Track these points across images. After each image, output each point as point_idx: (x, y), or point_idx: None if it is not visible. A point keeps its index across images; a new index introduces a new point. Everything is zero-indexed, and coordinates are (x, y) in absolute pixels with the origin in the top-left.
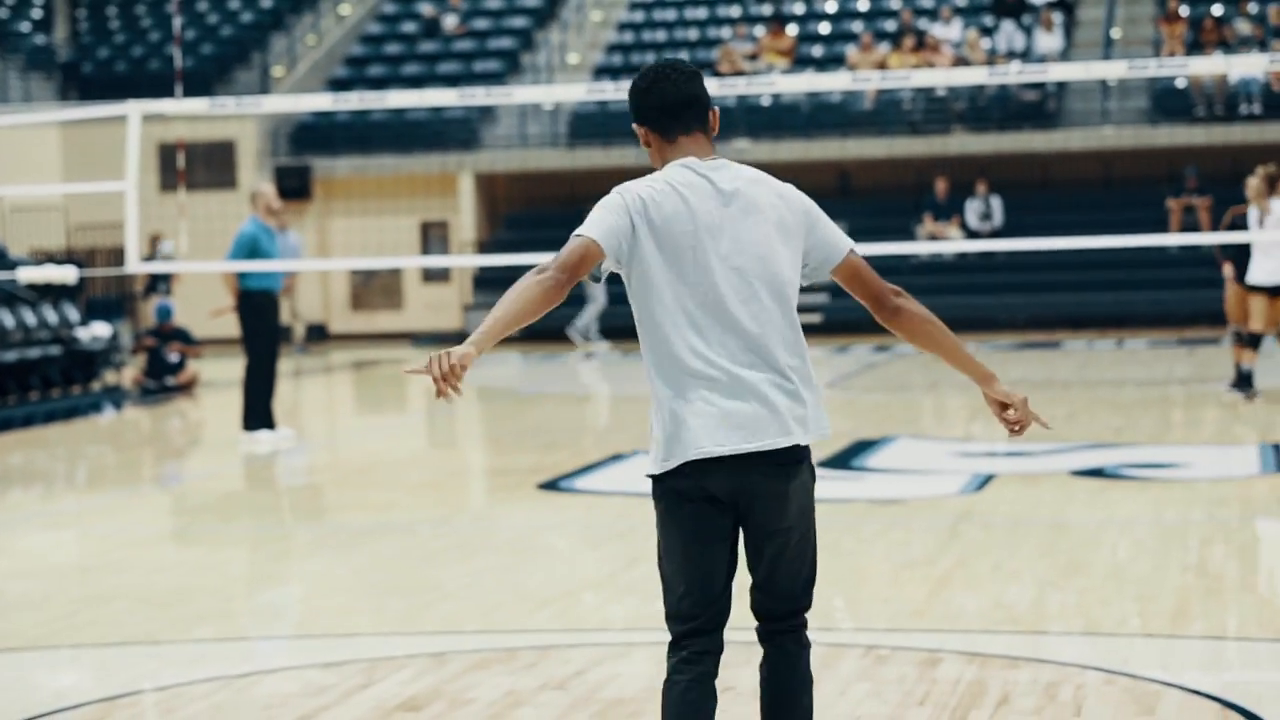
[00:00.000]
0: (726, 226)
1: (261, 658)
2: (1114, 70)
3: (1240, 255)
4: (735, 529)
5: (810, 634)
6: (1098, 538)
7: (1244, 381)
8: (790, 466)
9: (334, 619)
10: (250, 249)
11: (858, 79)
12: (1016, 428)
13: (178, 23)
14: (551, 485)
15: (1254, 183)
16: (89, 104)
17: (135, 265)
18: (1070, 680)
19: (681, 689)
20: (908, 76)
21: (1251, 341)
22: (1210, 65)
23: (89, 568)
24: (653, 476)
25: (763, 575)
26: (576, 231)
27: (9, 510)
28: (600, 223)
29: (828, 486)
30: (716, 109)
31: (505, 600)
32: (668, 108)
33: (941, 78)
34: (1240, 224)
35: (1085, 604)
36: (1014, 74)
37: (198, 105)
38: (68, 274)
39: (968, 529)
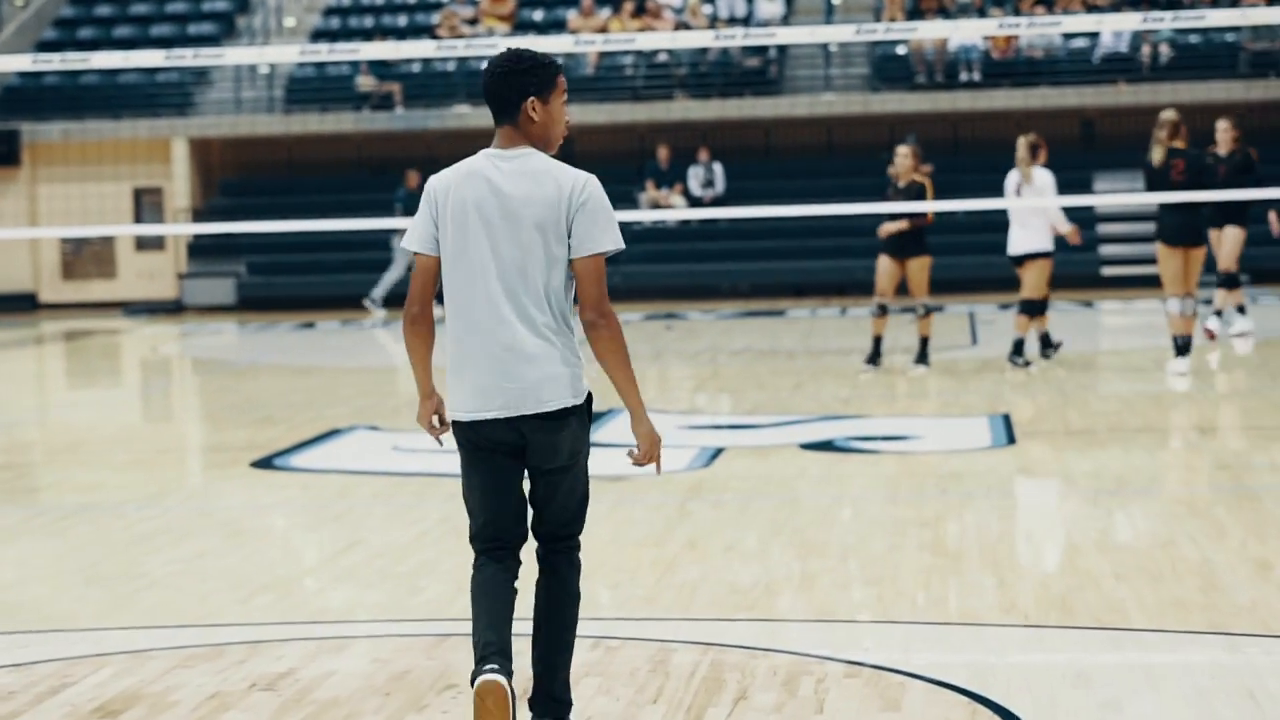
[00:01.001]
0: (495, 221)
1: None
2: (842, 34)
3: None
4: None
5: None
6: (831, 515)
7: (1018, 350)
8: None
9: (27, 613)
10: None
11: (580, 42)
12: (638, 463)
13: None
14: (266, 463)
15: (1020, 151)
16: None
17: None
18: (810, 672)
19: (488, 573)
20: (632, 40)
21: (1028, 309)
22: (934, 30)
23: None
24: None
25: (540, 505)
26: (403, 244)
27: None
28: (414, 231)
29: None
30: (538, 101)
31: (216, 588)
32: (488, 98)
33: (667, 41)
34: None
35: (821, 588)
36: (740, 38)
37: None
38: None
39: (697, 507)
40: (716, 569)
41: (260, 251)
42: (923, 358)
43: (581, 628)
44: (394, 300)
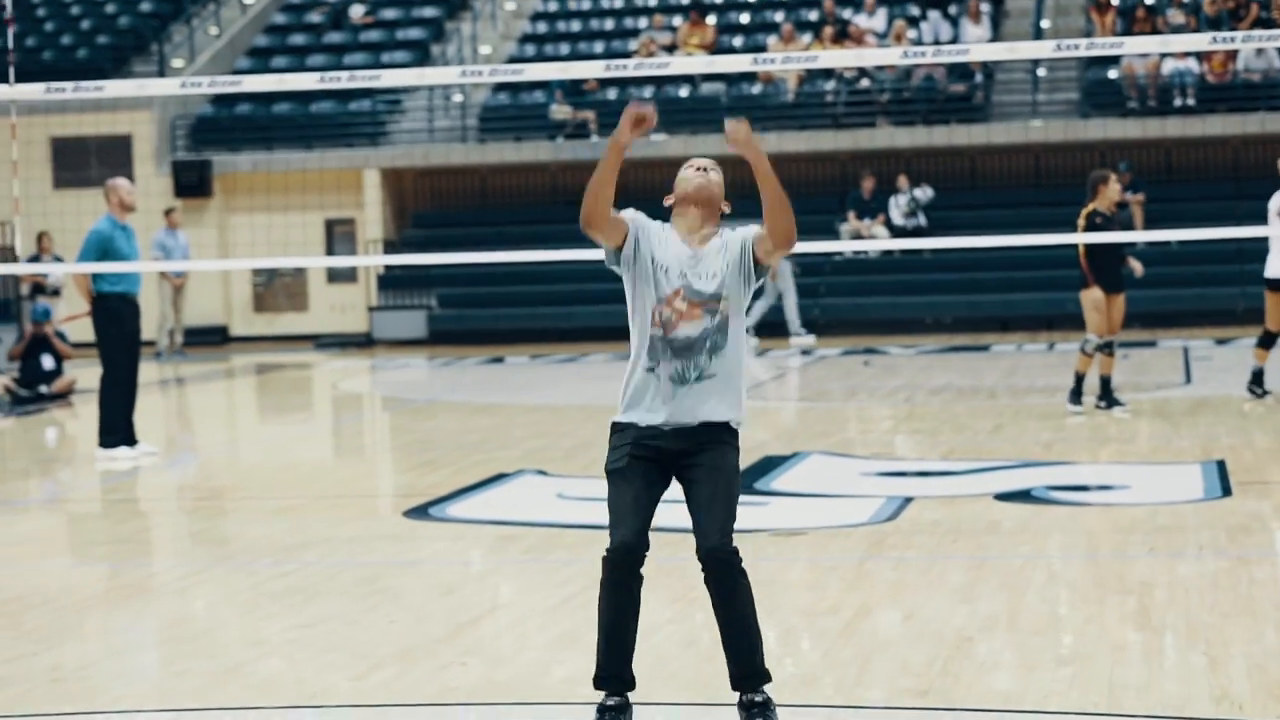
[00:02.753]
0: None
1: None
2: (1040, 50)
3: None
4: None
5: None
6: (1022, 579)
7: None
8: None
9: (122, 686)
10: (102, 249)
11: (759, 60)
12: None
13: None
14: (420, 512)
15: None
16: None
17: None
18: None
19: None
20: (815, 58)
21: (1265, 341)
22: (1141, 45)
23: None
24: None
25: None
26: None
27: None
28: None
29: None
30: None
31: (334, 662)
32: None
33: (852, 59)
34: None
35: (1007, 668)
36: (930, 55)
37: (32, 90)
38: None
39: (877, 568)
40: (889, 641)
41: (452, 284)
42: (1103, 398)
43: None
44: (763, 328)
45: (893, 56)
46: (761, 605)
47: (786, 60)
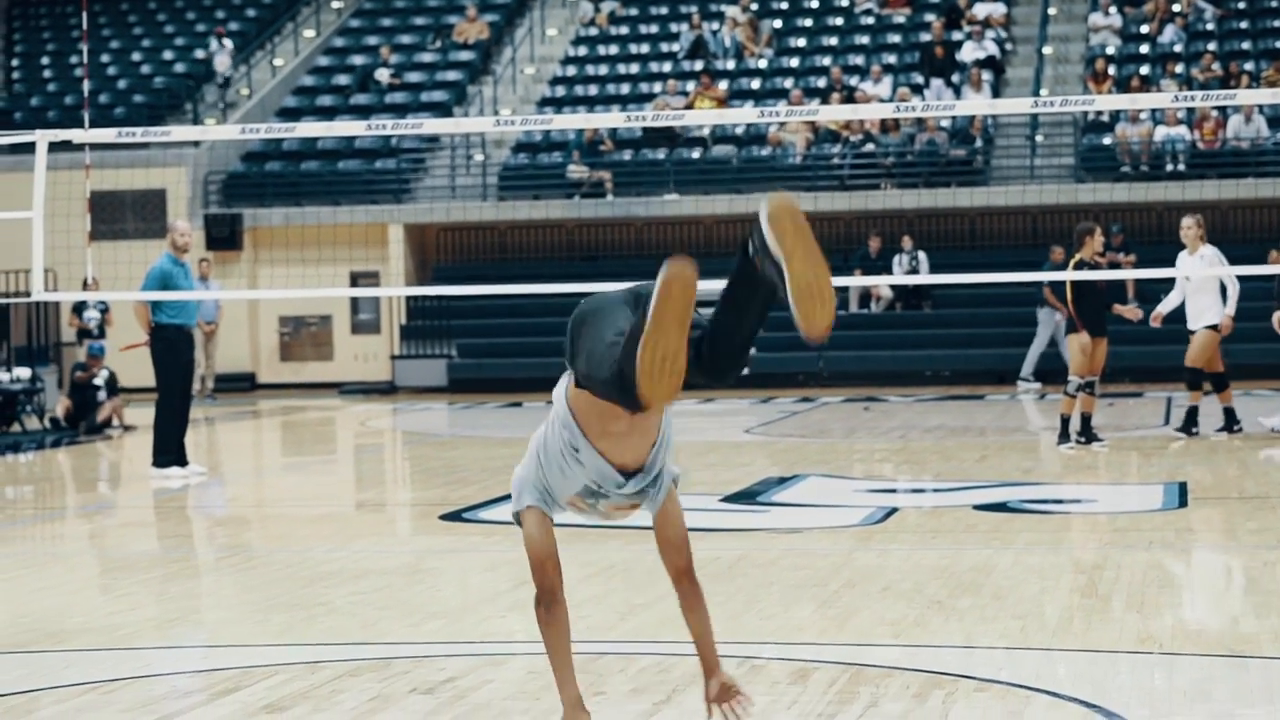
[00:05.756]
0: None
1: (136, 666)
2: (1019, 106)
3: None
4: None
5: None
6: (990, 563)
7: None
8: None
9: (209, 633)
10: (161, 284)
11: (766, 113)
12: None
13: (84, 50)
14: (454, 516)
15: None
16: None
17: (40, 294)
18: (942, 687)
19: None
20: (815, 111)
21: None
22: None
23: None
24: None
25: None
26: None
27: None
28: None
29: (732, 518)
30: None
31: (390, 615)
32: None
33: (848, 112)
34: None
35: (968, 620)
36: (919, 109)
37: (105, 134)
38: None
39: (863, 555)
40: (870, 603)
41: (471, 334)
42: (1083, 434)
43: (729, 649)
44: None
45: (885, 111)
46: (761, 581)
47: (791, 113)
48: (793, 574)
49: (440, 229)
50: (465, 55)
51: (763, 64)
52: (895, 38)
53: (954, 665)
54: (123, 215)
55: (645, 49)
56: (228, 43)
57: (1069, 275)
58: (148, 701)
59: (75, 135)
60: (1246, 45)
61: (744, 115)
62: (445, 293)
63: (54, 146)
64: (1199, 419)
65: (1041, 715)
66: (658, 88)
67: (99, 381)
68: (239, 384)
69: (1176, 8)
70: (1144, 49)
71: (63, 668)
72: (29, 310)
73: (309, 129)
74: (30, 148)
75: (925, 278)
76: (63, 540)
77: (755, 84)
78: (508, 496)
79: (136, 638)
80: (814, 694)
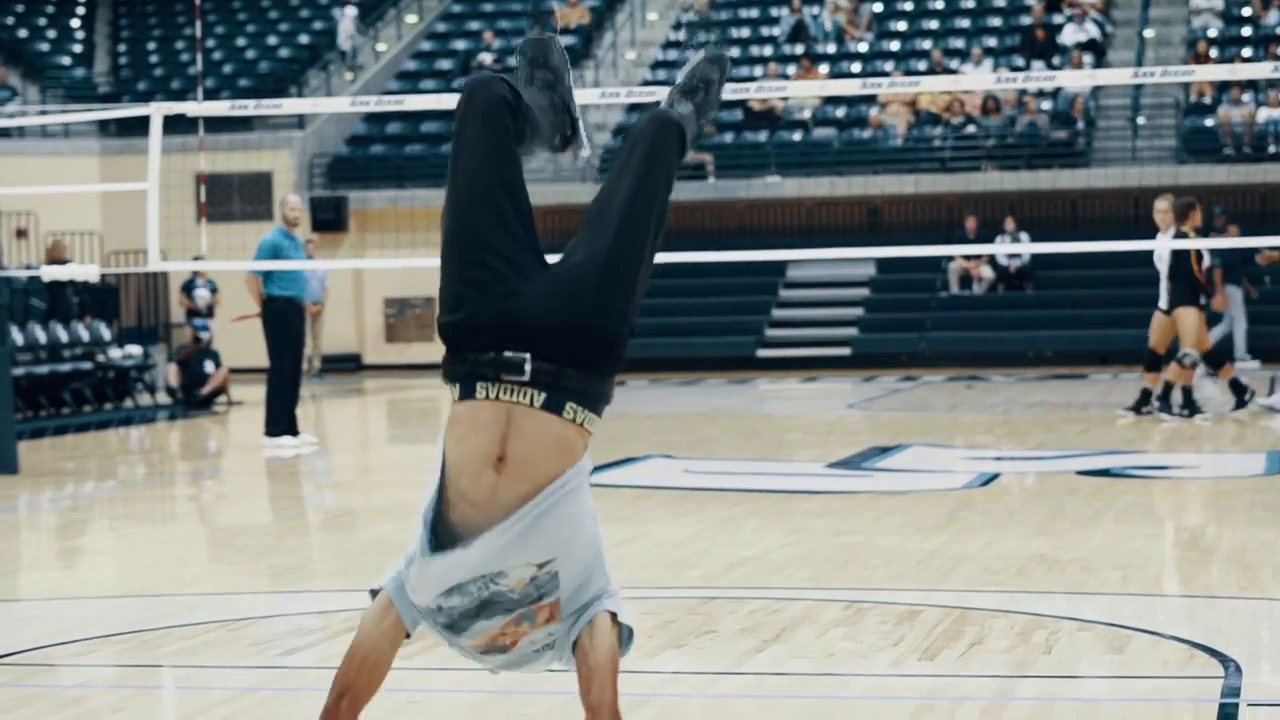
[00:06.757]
0: None
1: (257, 607)
2: (1120, 76)
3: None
4: None
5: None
6: (1094, 521)
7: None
8: None
9: (331, 579)
10: (272, 256)
11: (867, 85)
12: None
13: (198, 26)
14: None
15: None
16: (128, 138)
17: (156, 264)
18: (1045, 626)
19: None
20: (917, 83)
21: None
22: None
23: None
24: None
25: None
26: None
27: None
28: None
29: (837, 482)
30: None
31: None
32: None
33: (949, 83)
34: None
35: (1071, 570)
36: (1020, 80)
37: (219, 106)
38: (89, 271)
39: (965, 514)
40: (973, 554)
41: None
42: (1186, 405)
43: (837, 594)
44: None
45: (986, 80)
46: (867, 536)
47: (893, 84)
48: (896, 531)
49: (543, 211)
50: (567, 39)
51: (863, 47)
52: (996, 20)
53: (1057, 609)
54: (230, 197)
55: (746, 33)
56: (350, 10)
57: (1190, 244)
58: (272, 638)
59: (190, 108)
60: None
61: (844, 86)
62: None
63: (165, 129)
64: (1245, 388)
65: (1143, 653)
66: (758, 71)
67: (209, 368)
68: (345, 364)
69: None
70: (1246, 31)
71: (188, 609)
72: (139, 291)
73: (419, 100)
74: (139, 131)
75: (1041, 245)
76: (179, 501)
77: (855, 67)
78: (612, 464)
79: (255, 585)
80: (920, 632)
